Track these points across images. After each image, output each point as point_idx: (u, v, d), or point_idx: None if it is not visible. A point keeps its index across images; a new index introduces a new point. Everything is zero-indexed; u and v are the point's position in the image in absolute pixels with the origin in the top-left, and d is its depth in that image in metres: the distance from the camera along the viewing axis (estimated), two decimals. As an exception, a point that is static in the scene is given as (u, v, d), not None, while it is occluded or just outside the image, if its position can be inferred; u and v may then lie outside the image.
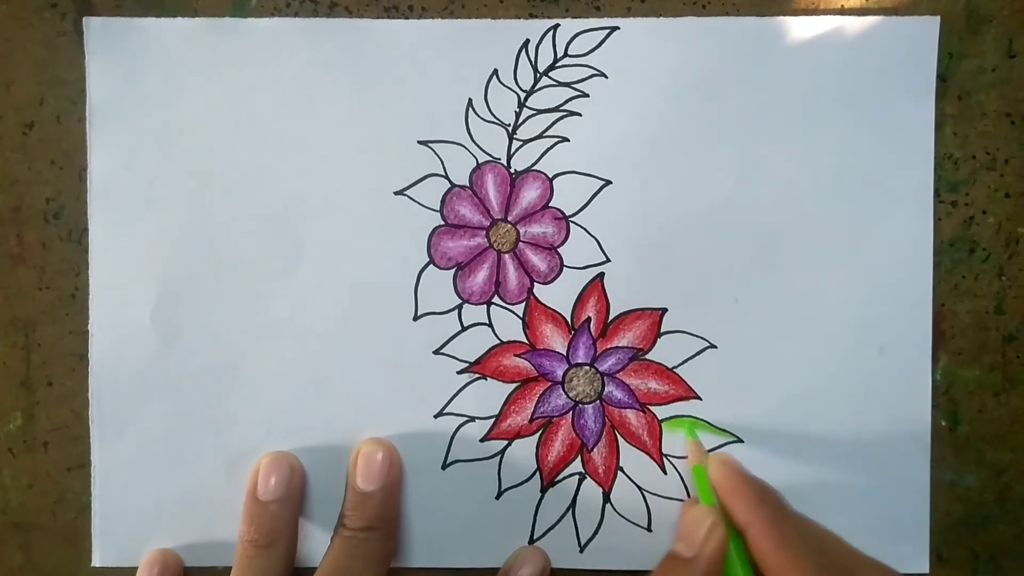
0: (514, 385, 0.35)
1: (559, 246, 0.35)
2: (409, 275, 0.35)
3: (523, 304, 0.35)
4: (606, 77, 0.35)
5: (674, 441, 0.35)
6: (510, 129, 0.35)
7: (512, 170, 0.35)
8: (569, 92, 0.35)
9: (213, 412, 0.35)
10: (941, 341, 0.35)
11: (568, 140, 0.35)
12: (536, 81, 0.35)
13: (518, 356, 0.35)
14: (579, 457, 0.35)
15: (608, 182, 0.35)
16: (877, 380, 0.35)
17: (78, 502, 0.36)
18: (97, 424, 0.36)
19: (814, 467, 0.35)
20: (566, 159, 0.35)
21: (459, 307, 0.35)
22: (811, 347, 0.35)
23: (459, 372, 0.35)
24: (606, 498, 0.35)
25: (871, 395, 0.35)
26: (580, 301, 0.35)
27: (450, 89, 0.35)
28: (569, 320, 0.35)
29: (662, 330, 0.35)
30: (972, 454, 0.35)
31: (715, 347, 0.35)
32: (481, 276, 0.35)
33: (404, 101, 0.35)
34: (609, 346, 0.35)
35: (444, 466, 0.35)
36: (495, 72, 0.35)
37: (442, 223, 0.35)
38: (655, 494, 0.35)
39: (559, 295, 0.35)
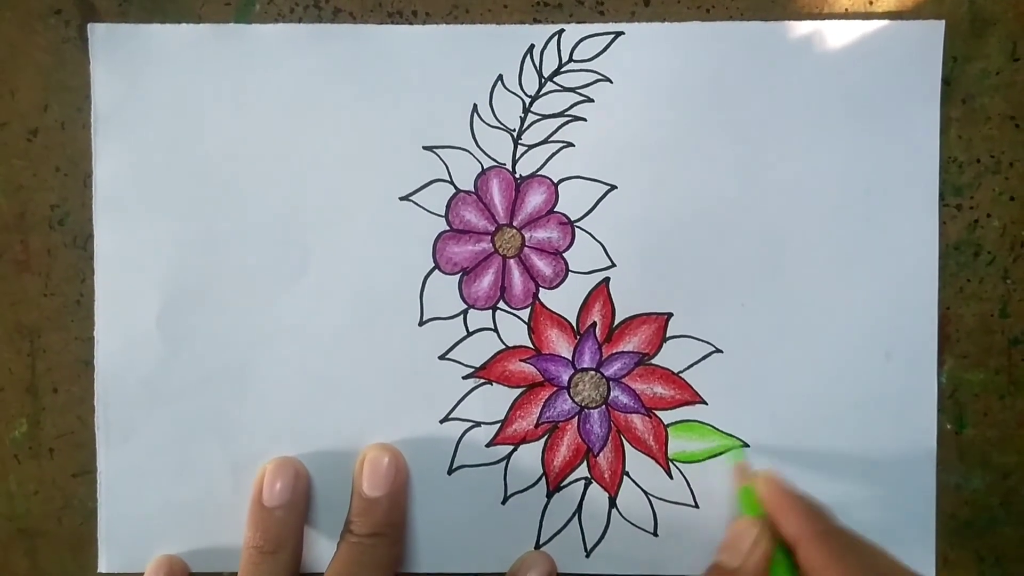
0: (520, 390, 0.35)
1: (564, 251, 0.35)
2: (414, 280, 0.35)
3: (528, 309, 0.35)
4: (611, 82, 0.35)
5: (680, 445, 0.35)
6: (515, 134, 0.35)
7: (517, 175, 0.35)
8: (574, 97, 0.35)
9: (219, 418, 0.35)
10: (946, 344, 0.35)
11: (573, 145, 0.35)
12: (541, 86, 0.35)
13: (524, 361, 0.35)
14: (585, 462, 0.35)
15: (613, 187, 0.35)
16: (883, 384, 0.35)
17: (84, 508, 0.36)
18: (103, 430, 0.36)
19: (820, 471, 0.35)
20: (571, 164, 0.35)
21: (464, 312, 0.35)
22: (817, 351, 0.35)
23: (465, 377, 0.35)
24: (612, 503, 0.35)
25: (877, 399, 0.35)
26: (585, 306, 0.35)
27: (455, 94, 0.35)
28: (574, 325, 0.35)
29: (668, 335, 0.35)
30: (978, 457, 0.35)
31: (721, 352, 0.35)
32: (486, 281, 0.35)
33: (409, 106, 0.35)
34: (615, 351, 0.35)
35: (450, 471, 0.35)
36: (500, 77, 0.35)
37: (447, 228, 0.35)
38: (661, 499, 0.35)
39: (564, 300, 0.35)
